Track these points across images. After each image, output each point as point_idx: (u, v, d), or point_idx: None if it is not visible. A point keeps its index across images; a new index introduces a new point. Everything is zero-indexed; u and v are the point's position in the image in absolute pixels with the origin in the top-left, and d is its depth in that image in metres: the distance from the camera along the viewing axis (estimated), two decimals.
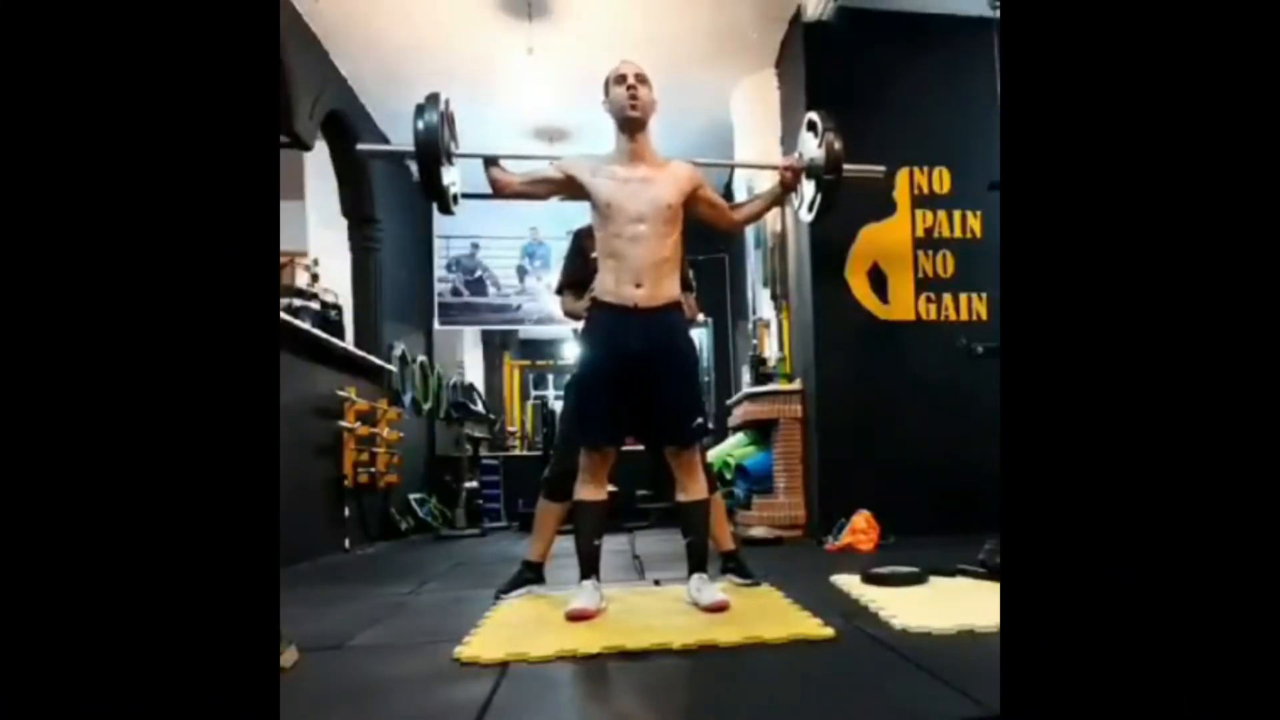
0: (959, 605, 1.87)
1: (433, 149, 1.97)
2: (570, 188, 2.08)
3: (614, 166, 2.04)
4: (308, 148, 3.95)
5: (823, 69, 3.83)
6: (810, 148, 2.29)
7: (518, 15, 3.93)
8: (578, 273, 2.43)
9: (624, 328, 1.99)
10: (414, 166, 2.07)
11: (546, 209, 5.98)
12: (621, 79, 2.01)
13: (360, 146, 2.74)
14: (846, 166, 2.22)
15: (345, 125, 4.48)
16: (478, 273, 6.49)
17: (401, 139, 5.53)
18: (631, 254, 1.99)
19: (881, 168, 2.51)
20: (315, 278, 4.17)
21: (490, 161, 2.13)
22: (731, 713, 1.27)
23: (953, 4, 3.71)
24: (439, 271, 6.37)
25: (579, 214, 2.17)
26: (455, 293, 6.40)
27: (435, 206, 2.18)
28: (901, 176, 3.81)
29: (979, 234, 3.83)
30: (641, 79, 2.02)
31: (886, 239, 3.79)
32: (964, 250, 3.81)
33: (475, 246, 6.47)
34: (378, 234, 4.94)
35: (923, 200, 3.83)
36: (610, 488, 2.11)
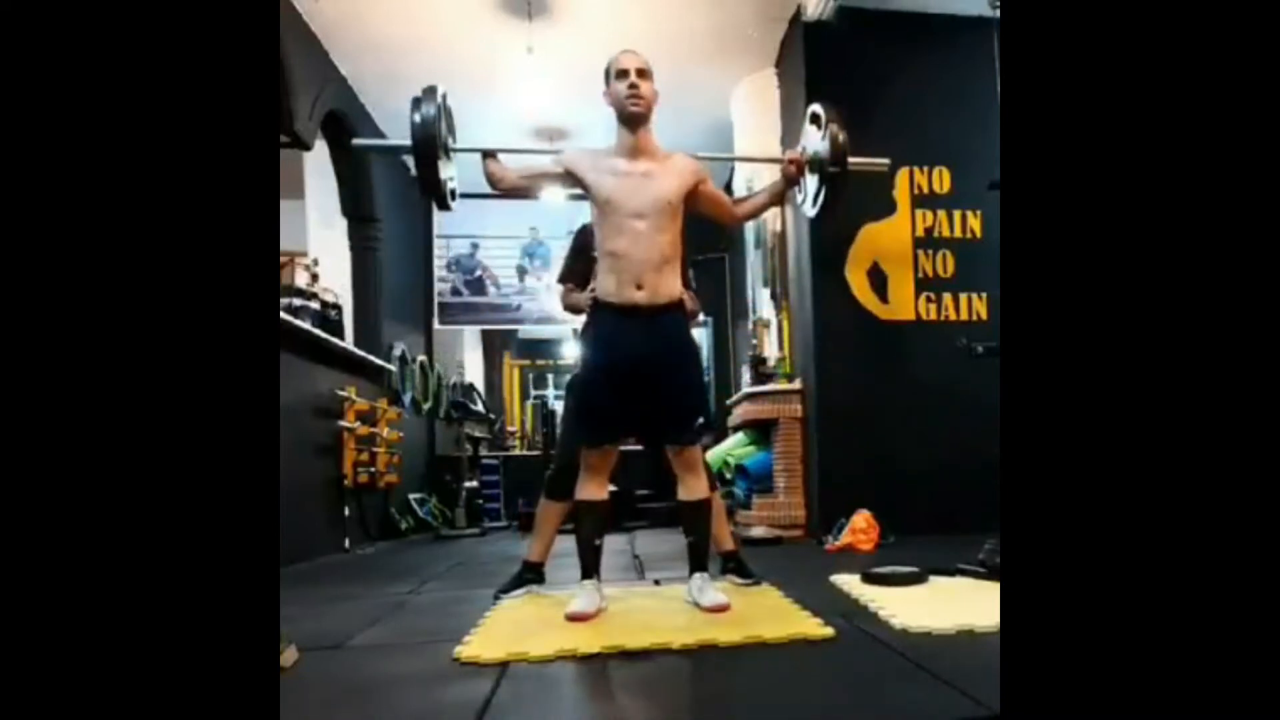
0: (959, 605, 1.87)
1: (430, 143, 1.92)
2: (569, 182, 2.06)
3: (615, 160, 2.01)
4: (308, 148, 3.94)
5: (823, 69, 3.83)
6: (814, 141, 2.25)
7: (518, 14, 3.93)
8: (580, 268, 2.41)
9: (625, 329, 1.98)
10: (411, 160, 2.05)
11: (546, 208, 5.99)
12: (624, 73, 1.97)
13: (356, 141, 2.72)
14: (851, 159, 2.19)
15: (345, 125, 4.48)
16: (477, 272, 6.48)
17: (401, 138, 5.57)
18: (631, 254, 1.97)
19: (886, 160, 2.47)
20: (315, 278, 4.17)
21: (488, 155, 2.11)
22: (731, 713, 1.27)
23: (953, 4, 3.71)
24: (439, 271, 6.37)
25: (579, 213, 2.16)
26: (455, 292, 6.40)
27: (433, 202, 2.15)
28: (901, 176, 3.81)
29: (979, 234, 3.83)
30: (643, 73, 1.98)
31: (886, 238, 3.79)
32: (964, 250, 3.81)
33: (475, 246, 6.46)
34: (378, 234, 4.94)
35: (923, 200, 3.83)
36: (610, 487, 2.11)
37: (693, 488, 2.03)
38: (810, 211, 2.35)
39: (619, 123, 2.01)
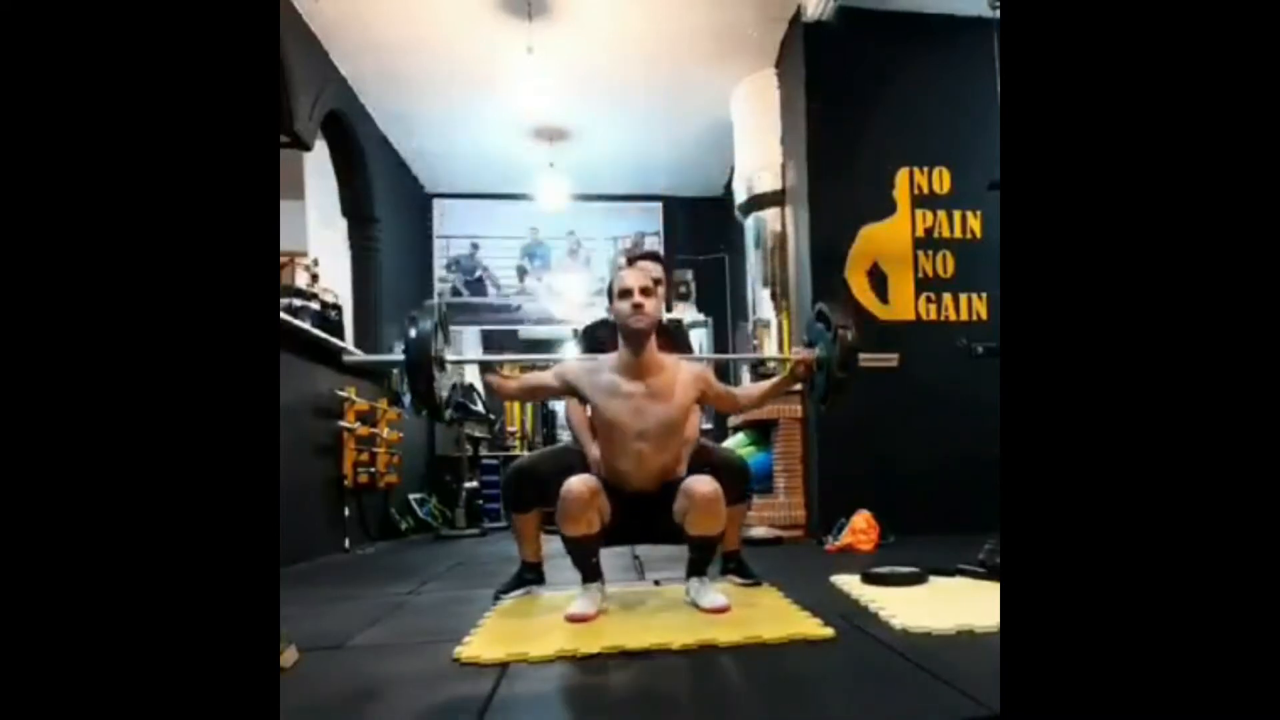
0: (959, 605, 1.87)
1: (425, 360, 1.81)
2: (571, 394, 2.05)
3: (616, 378, 1.95)
4: (308, 148, 3.95)
5: (823, 69, 3.83)
6: (819, 334, 2.15)
7: (518, 15, 3.93)
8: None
9: (625, 498, 1.99)
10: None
11: (546, 209, 5.99)
12: (627, 292, 1.90)
13: (348, 359, 2.59)
14: (861, 356, 2.10)
15: (345, 125, 4.48)
16: (478, 273, 6.49)
17: (400, 139, 5.58)
18: (636, 473, 1.98)
19: (895, 356, 2.38)
20: (315, 278, 4.17)
21: (487, 367, 2.10)
22: (731, 713, 1.27)
23: (953, 4, 3.71)
24: (439, 271, 6.38)
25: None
26: (455, 293, 6.41)
27: (424, 415, 2.04)
28: (901, 176, 3.82)
29: (979, 234, 3.83)
30: (647, 291, 1.91)
31: (886, 239, 3.80)
32: (964, 250, 3.81)
33: (475, 246, 6.47)
34: (378, 234, 4.94)
35: (923, 200, 3.83)
36: None
37: (703, 526, 1.94)
38: (820, 408, 2.25)
39: (621, 338, 1.96)
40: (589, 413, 2.09)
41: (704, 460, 2.12)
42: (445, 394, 1.91)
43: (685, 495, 1.92)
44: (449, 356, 1.97)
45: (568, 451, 2.30)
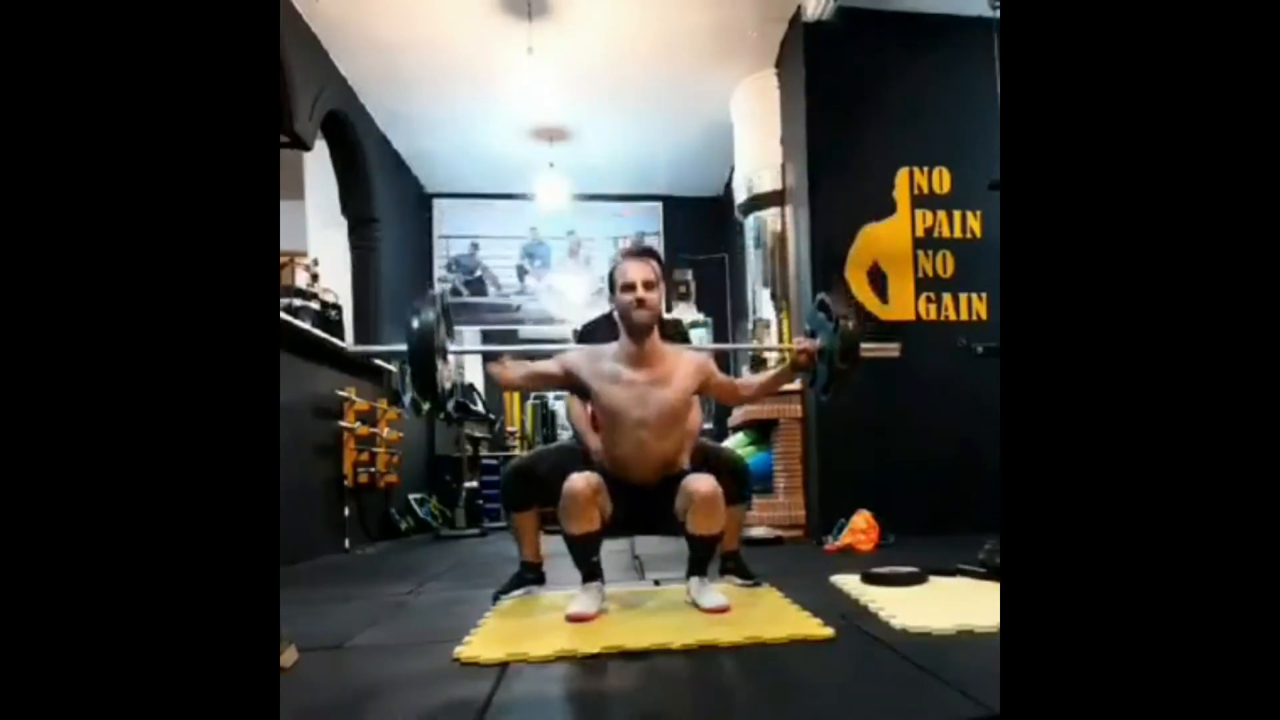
0: (959, 605, 1.87)
1: (428, 350, 1.83)
2: (572, 384, 2.04)
3: (618, 366, 1.97)
4: (308, 148, 3.95)
5: (823, 69, 3.83)
6: (820, 323, 2.15)
7: (518, 15, 3.93)
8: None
9: (626, 490, 1.99)
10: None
11: (546, 209, 5.99)
12: (629, 286, 1.92)
13: (350, 349, 2.56)
14: (862, 346, 2.09)
15: (345, 125, 4.48)
16: (477, 272, 6.49)
17: (400, 139, 5.58)
18: (637, 460, 1.98)
19: (896, 345, 2.38)
20: (315, 278, 4.17)
21: (489, 358, 2.09)
22: (731, 713, 1.27)
23: (953, 4, 3.71)
24: (439, 271, 6.38)
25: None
26: (455, 293, 6.41)
27: (426, 408, 2.02)
28: (901, 176, 3.82)
29: (979, 234, 3.83)
30: (649, 284, 1.93)
31: (886, 239, 3.79)
32: (964, 250, 3.81)
33: (475, 246, 6.47)
34: (378, 234, 4.94)
35: (923, 200, 3.83)
36: None
37: (704, 525, 1.95)
38: (822, 398, 2.24)
39: (623, 329, 1.97)
40: (590, 408, 2.08)
41: (705, 458, 2.12)
42: (447, 386, 1.93)
43: (685, 494, 1.93)
44: (451, 347, 1.99)
45: (566, 450, 2.30)
